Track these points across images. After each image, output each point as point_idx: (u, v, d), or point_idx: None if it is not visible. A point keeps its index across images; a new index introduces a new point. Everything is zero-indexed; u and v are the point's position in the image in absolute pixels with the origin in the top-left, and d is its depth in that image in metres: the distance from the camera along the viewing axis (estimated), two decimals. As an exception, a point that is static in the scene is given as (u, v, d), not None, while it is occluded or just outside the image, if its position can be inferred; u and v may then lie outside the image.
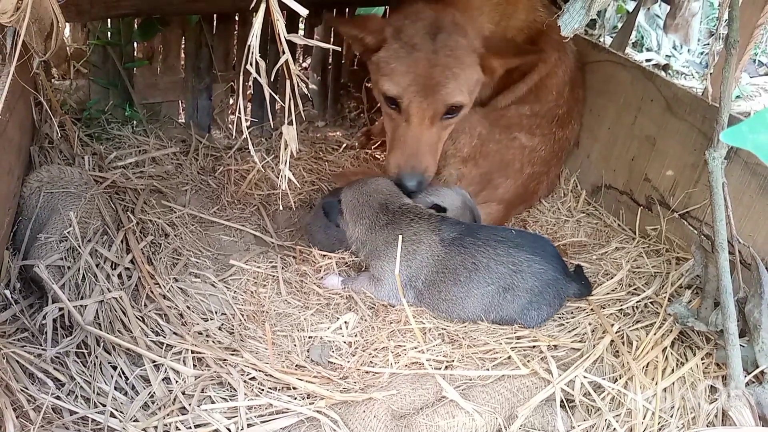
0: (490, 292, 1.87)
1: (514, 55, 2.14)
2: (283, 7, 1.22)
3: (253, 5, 1.15)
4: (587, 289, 2.00)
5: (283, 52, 1.28)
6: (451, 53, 2.03)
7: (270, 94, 1.27)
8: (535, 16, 2.44)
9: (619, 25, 3.42)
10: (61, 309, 1.63)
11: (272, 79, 1.47)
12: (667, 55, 4.36)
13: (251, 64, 1.20)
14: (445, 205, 2.08)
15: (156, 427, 1.44)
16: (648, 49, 4.36)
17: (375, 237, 1.98)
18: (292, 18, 2.96)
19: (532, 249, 1.90)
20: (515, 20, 2.40)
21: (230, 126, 2.98)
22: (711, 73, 2.00)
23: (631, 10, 3.22)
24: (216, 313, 1.85)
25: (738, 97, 4.05)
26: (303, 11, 1.16)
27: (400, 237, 1.87)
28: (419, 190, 2.11)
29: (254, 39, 1.17)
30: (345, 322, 1.88)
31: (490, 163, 2.39)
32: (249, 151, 2.72)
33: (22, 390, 1.44)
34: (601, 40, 3.05)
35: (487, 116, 2.40)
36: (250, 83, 1.27)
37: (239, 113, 1.34)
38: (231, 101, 3.02)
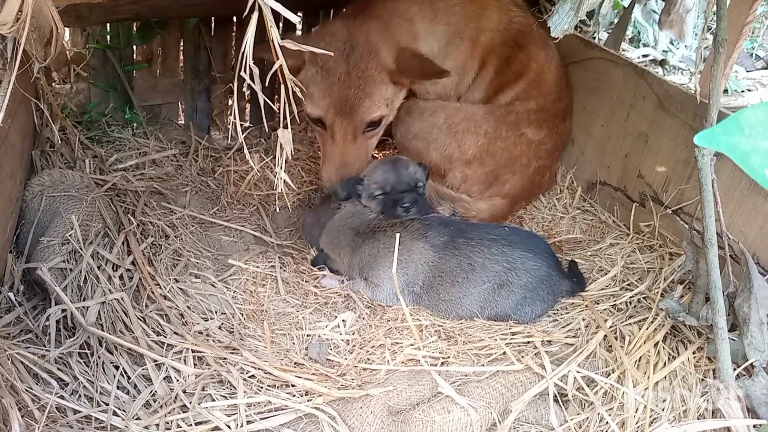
0: (486, 290, 1.91)
1: (418, 75, 2.24)
2: (278, 12, 1.25)
3: (246, 12, 1.18)
4: (581, 285, 2.03)
5: (277, 58, 1.31)
6: (362, 74, 2.12)
7: (264, 100, 1.30)
8: (510, 16, 2.48)
9: (616, 21, 3.44)
10: (63, 310, 1.67)
11: (269, 82, 1.49)
12: (663, 51, 4.38)
13: (245, 71, 1.23)
14: (362, 175, 2.17)
15: (158, 425, 1.47)
16: (645, 45, 4.38)
17: (360, 254, 2.05)
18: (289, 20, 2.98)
19: (526, 246, 1.94)
20: (487, 21, 2.45)
21: (229, 127, 3.00)
22: (700, 72, 2.02)
23: (626, 5, 3.24)
24: (216, 312, 1.89)
25: (736, 91, 4.06)
26: (295, 19, 1.19)
27: (398, 235, 1.90)
28: (351, 197, 2.21)
29: (248, 47, 1.20)
30: (343, 320, 1.92)
31: (497, 161, 2.43)
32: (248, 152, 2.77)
33: (26, 390, 1.48)
34: (596, 36, 3.07)
35: (492, 113, 2.43)
36: (246, 89, 1.30)
37: (235, 118, 1.37)
38: (230, 102, 3.05)
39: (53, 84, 2.71)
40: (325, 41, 2.10)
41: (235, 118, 1.37)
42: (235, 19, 2.89)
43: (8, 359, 1.51)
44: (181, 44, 2.85)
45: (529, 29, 2.51)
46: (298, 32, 3.16)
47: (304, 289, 2.07)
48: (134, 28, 2.71)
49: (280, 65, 1.34)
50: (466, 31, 2.43)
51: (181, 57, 2.90)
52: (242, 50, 1.23)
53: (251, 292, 2.01)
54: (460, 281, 1.92)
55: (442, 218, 2.14)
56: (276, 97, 2.94)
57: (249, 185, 2.57)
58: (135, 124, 2.78)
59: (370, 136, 2.26)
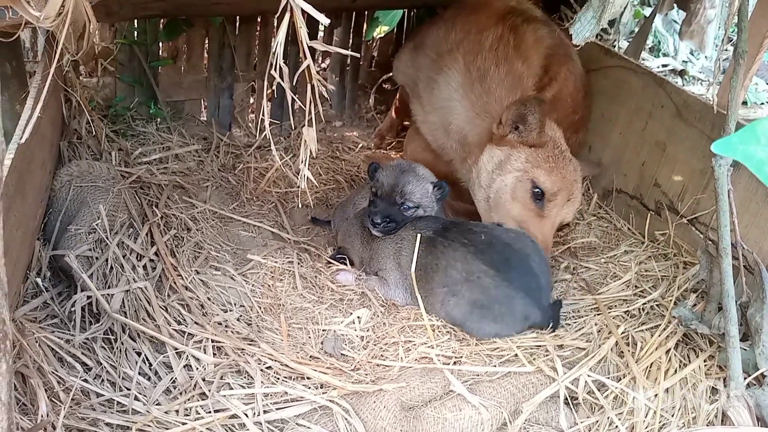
0: (444, 293, 1.91)
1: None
2: (305, 12, 1.28)
3: (278, 14, 1.22)
4: (554, 325, 1.92)
5: (305, 58, 1.35)
6: (579, 176, 2.22)
7: (292, 98, 1.34)
8: (543, 44, 2.49)
9: (636, 30, 3.44)
10: (89, 297, 1.71)
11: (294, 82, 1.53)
12: (683, 61, 4.38)
13: (275, 70, 1.27)
14: (381, 165, 2.19)
15: (177, 411, 1.52)
16: (665, 54, 4.38)
17: (370, 249, 2.12)
18: (312, 20, 3.03)
19: (493, 261, 1.87)
20: (535, 58, 2.46)
21: (250, 125, 3.06)
22: (719, 82, 2.03)
23: (647, 15, 3.25)
24: (235, 304, 1.93)
25: (755, 103, 4.05)
26: (325, 20, 1.23)
27: (419, 236, 1.94)
28: None
29: (278, 47, 1.24)
30: (358, 317, 1.95)
31: None
32: (268, 150, 2.82)
33: (52, 372, 1.53)
34: (617, 44, 3.09)
35: None
36: (274, 87, 1.34)
37: (262, 115, 1.41)
38: (251, 100, 3.10)
39: (80, 77, 2.77)
40: (557, 132, 2.21)
41: (263, 116, 1.42)
42: (259, 19, 2.95)
43: (36, 342, 1.57)
44: (206, 42, 2.91)
45: (555, 47, 2.53)
46: (320, 33, 3.21)
47: (320, 286, 2.11)
48: (161, 25, 2.77)
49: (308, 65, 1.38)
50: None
51: (206, 55, 2.96)
52: (273, 50, 1.27)
53: (269, 286, 2.05)
54: (428, 279, 1.94)
55: (435, 216, 2.15)
56: (300, 97, 3.00)
57: (268, 182, 2.61)
58: (159, 119, 2.84)
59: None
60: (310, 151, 1.54)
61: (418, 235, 1.94)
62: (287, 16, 1.19)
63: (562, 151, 2.17)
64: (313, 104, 1.45)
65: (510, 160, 2.16)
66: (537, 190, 2.12)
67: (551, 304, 1.95)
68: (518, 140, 2.16)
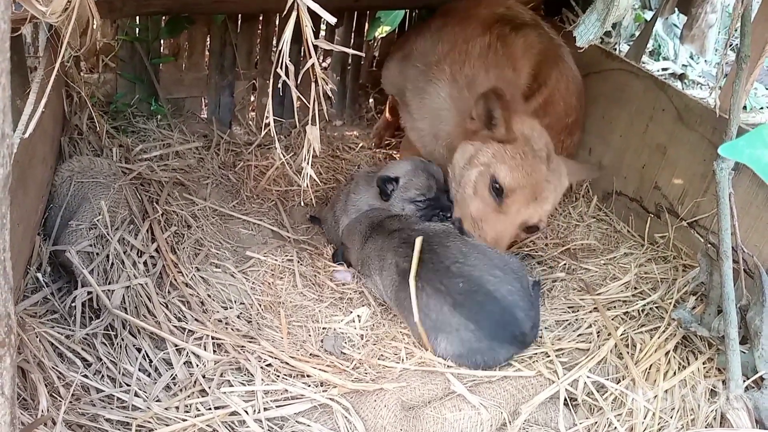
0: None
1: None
2: (310, 12, 1.29)
3: (285, 12, 1.22)
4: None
5: (310, 56, 1.35)
6: (558, 179, 2.17)
7: (298, 96, 1.35)
8: (533, 50, 2.49)
9: (637, 34, 3.46)
10: (89, 293, 1.71)
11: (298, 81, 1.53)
12: (683, 65, 4.39)
13: (281, 68, 1.27)
14: (396, 175, 2.23)
15: (178, 408, 1.51)
16: (665, 58, 4.39)
17: (366, 251, 2.08)
18: (314, 19, 3.03)
19: (473, 316, 1.74)
20: (525, 66, 2.46)
21: (251, 123, 3.06)
22: (721, 87, 2.04)
23: (648, 19, 3.25)
24: (235, 302, 1.93)
25: (755, 108, 4.07)
26: (332, 19, 1.23)
27: (420, 238, 1.89)
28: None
29: (285, 45, 1.24)
30: (358, 315, 1.95)
31: None
32: (268, 148, 2.82)
33: (52, 368, 1.52)
34: (617, 48, 3.10)
35: None
36: (278, 84, 1.34)
37: (267, 113, 1.41)
38: (252, 98, 3.10)
39: (81, 73, 2.76)
40: (535, 132, 2.15)
41: (267, 114, 1.42)
42: (261, 17, 2.94)
43: (36, 337, 1.56)
44: (208, 40, 2.91)
45: (545, 51, 2.52)
46: (322, 32, 3.21)
47: (320, 284, 2.11)
48: (163, 23, 2.77)
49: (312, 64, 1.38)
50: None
51: (207, 52, 2.95)
52: (279, 48, 1.27)
53: (269, 284, 2.05)
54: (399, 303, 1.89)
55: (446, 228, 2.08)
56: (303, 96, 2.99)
57: (269, 180, 2.61)
58: (159, 116, 2.83)
59: (524, 238, 2.29)
60: (316, 150, 1.55)
61: (420, 238, 1.90)
62: (294, 14, 1.19)
63: (534, 149, 2.11)
64: (317, 103, 1.45)
65: (478, 154, 2.15)
66: (496, 184, 2.08)
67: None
68: (489, 136, 2.14)
